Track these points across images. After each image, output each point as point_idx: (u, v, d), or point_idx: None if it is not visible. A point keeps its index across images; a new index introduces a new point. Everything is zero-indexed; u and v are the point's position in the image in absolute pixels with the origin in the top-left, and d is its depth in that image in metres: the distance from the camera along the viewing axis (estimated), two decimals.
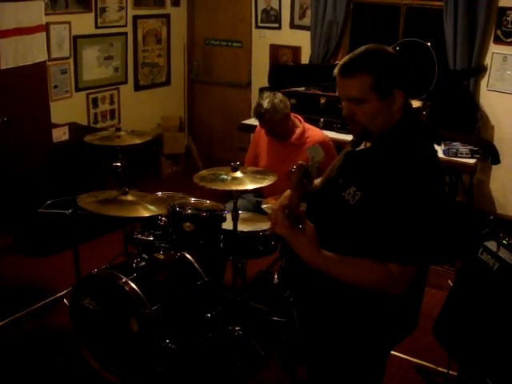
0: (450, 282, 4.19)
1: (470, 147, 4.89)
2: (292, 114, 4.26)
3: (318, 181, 2.63)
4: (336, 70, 2.12)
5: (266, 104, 4.04)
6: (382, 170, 2.06)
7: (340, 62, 2.12)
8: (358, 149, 2.24)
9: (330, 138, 4.50)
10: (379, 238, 2.04)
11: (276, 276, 2.47)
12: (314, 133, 4.27)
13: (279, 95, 4.14)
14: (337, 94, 2.17)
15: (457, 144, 4.94)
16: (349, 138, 5.08)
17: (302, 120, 4.31)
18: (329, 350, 2.33)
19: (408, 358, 3.79)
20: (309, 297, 2.34)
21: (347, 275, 2.06)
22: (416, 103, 5.09)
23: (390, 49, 2.12)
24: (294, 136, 4.20)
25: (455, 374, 3.35)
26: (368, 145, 2.21)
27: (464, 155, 4.85)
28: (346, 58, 2.11)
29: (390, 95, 2.06)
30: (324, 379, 2.39)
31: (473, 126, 5.46)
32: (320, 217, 2.12)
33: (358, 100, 2.07)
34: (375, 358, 2.33)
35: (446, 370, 3.43)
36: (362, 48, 2.12)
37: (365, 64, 2.05)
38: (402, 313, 2.23)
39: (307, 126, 4.30)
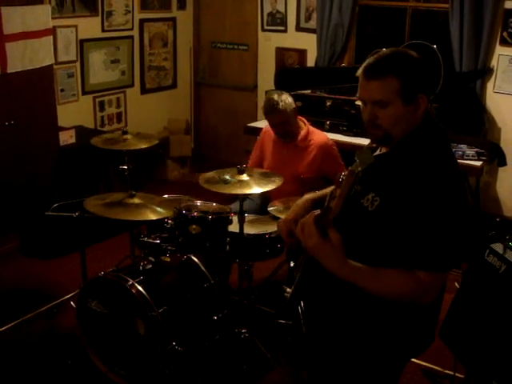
0: (456, 284, 4.18)
1: (476, 149, 4.88)
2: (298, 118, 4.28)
3: (330, 189, 2.59)
4: (360, 71, 2.07)
5: (276, 97, 4.09)
6: (402, 174, 2.02)
7: (365, 63, 2.07)
8: (374, 154, 2.18)
9: (336, 140, 4.52)
10: (404, 245, 1.98)
11: (288, 290, 2.41)
12: (318, 136, 4.28)
13: (284, 92, 4.20)
14: (357, 95, 2.13)
15: (463, 146, 4.92)
16: (354, 140, 5.15)
17: (306, 122, 4.32)
18: (344, 362, 2.26)
19: (414, 360, 3.77)
20: (326, 309, 2.29)
21: (376, 286, 2.00)
22: None
23: (415, 54, 2.08)
24: (299, 138, 4.21)
25: (462, 376, 3.35)
26: (384, 150, 2.18)
27: (470, 157, 4.84)
28: (372, 59, 2.06)
29: (414, 100, 2.03)
30: None
31: (479, 128, 5.45)
32: (339, 226, 1.99)
33: (383, 103, 2.02)
34: (389, 371, 2.28)
35: (452, 373, 3.43)
36: (388, 50, 2.07)
37: (392, 67, 2.01)
38: (420, 325, 2.19)
39: (311, 128, 4.31)
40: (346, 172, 1.88)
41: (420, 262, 1.96)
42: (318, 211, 1.98)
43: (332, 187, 2.41)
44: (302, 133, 4.23)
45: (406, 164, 2.03)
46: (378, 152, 2.21)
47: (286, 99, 4.10)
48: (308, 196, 2.56)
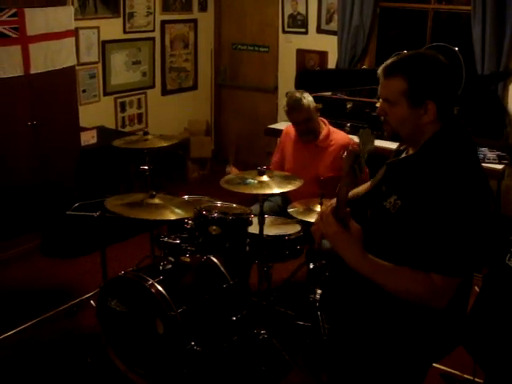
0: (476, 288, 4.15)
1: (497, 153, 4.85)
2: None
3: (361, 189, 2.65)
4: (380, 69, 2.15)
5: (299, 94, 4.15)
6: (424, 179, 2.04)
7: (385, 62, 2.15)
8: (401, 157, 2.24)
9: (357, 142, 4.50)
10: (422, 248, 2.01)
11: (318, 291, 2.44)
12: (339, 136, 4.28)
13: (305, 91, 4.24)
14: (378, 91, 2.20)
15: (484, 149, 4.89)
16: (375, 142, 5.10)
17: (326, 123, 4.32)
18: (366, 366, 2.27)
19: (433, 364, 3.75)
20: (349, 311, 2.31)
21: (389, 282, 2.04)
22: None
23: (441, 58, 2.10)
24: (320, 138, 4.21)
25: (481, 381, 3.32)
26: (410, 152, 2.21)
27: (491, 161, 4.81)
28: (392, 59, 2.13)
29: (422, 105, 2.06)
30: None
31: (501, 132, 5.41)
32: (362, 226, 2.09)
33: (390, 102, 2.10)
34: (412, 374, 2.30)
35: (472, 378, 3.41)
36: (413, 51, 2.16)
37: (403, 68, 2.07)
38: (445, 327, 2.19)
39: (332, 128, 4.32)
40: (346, 152, 1.98)
41: (435, 265, 1.99)
42: (328, 208, 2.09)
43: (362, 186, 2.54)
44: (323, 133, 4.23)
45: (428, 168, 2.05)
46: (404, 155, 2.25)
47: (308, 97, 4.15)
48: None
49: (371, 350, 2.23)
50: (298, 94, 4.14)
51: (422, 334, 2.17)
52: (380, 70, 2.14)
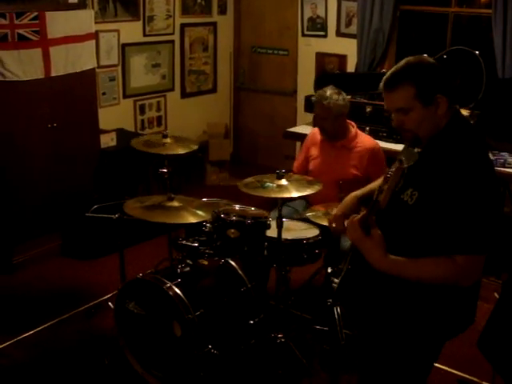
0: (496, 294, 4.12)
1: None
2: (347, 121, 4.29)
3: (373, 185, 2.80)
4: (381, 85, 2.30)
5: (329, 93, 4.13)
6: (437, 168, 2.20)
7: (384, 78, 2.29)
8: None
9: None
10: (442, 233, 2.16)
11: (335, 280, 2.57)
12: (365, 139, 4.29)
13: (344, 95, 4.21)
14: (385, 107, 2.33)
15: (505, 154, 4.85)
16: (394, 146, 5.11)
17: (354, 125, 4.31)
18: (386, 345, 2.43)
19: (452, 370, 3.73)
20: (371, 294, 2.46)
21: (414, 275, 2.21)
22: (464, 112, 5.02)
23: (429, 59, 2.28)
24: (346, 139, 4.21)
25: None
26: (418, 150, 2.32)
27: None
28: (389, 73, 2.28)
29: (433, 102, 2.21)
30: (379, 371, 2.49)
31: None
32: (382, 221, 2.25)
33: (405, 110, 2.23)
34: (431, 351, 2.43)
35: None
36: (403, 61, 2.28)
37: (406, 76, 2.22)
38: (459, 306, 2.32)
39: (359, 132, 4.33)
40: (394, 168, 2.21)
41: (457, 246, 2.14)
42: (358, 216, 2.27)
43: (377, 183, 2.68)
44: (350, 135, 4.23)
45: (439, 159, 2.21)
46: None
47: (338, 100, 4.12)
48: (354, 193, 2.81)
49: (392, 332, 2.40)
50: (328, 92, 4.13)
51: (439, 311, 2.31)
52: (384, 86, 2.28)
